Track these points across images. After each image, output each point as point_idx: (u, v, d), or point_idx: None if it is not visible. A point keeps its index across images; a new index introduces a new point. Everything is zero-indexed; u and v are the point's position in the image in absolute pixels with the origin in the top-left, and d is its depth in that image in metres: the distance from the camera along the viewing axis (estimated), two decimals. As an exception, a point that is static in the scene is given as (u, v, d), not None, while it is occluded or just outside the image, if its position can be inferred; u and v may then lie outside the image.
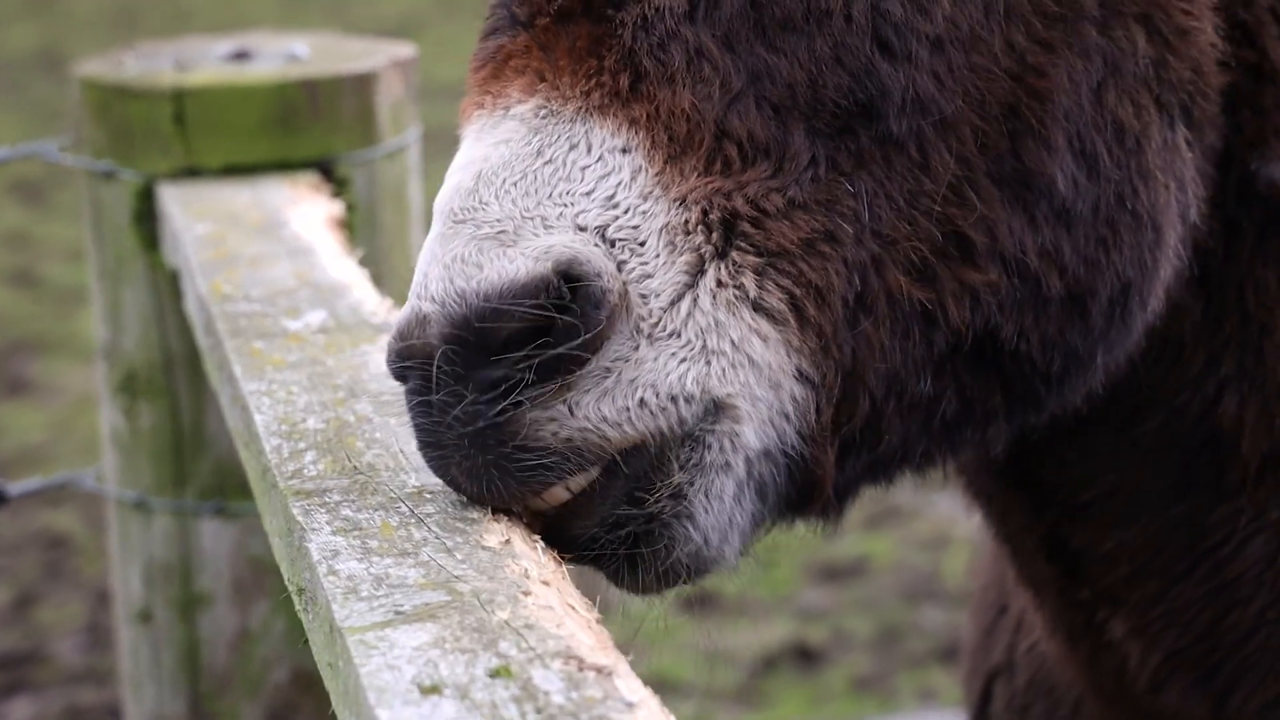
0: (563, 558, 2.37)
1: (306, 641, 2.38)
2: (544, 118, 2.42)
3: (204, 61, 4.23)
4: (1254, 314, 2.85)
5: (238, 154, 4.06)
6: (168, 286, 4.06)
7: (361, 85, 4.11)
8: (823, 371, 2.42)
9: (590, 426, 2.35)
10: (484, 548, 2.30)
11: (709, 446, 2.40)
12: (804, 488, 2.49)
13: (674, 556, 2.45)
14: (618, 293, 2.34)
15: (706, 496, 2.42)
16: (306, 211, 3.82)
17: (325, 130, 4.08)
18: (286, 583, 2.44)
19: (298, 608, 2.37)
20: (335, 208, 3.93)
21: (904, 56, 2.46)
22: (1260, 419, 2.86)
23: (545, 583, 2.23)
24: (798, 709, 7.51)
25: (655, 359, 2.36)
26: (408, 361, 2.37)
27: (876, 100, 2.45)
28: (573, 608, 2.19)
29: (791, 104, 2.43)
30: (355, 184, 4.09)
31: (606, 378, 2.35)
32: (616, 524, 2.42)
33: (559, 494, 2.39)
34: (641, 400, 2.36)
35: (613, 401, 2.35)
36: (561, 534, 2.42)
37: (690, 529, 2.43)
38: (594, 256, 2.33)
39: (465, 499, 2.41)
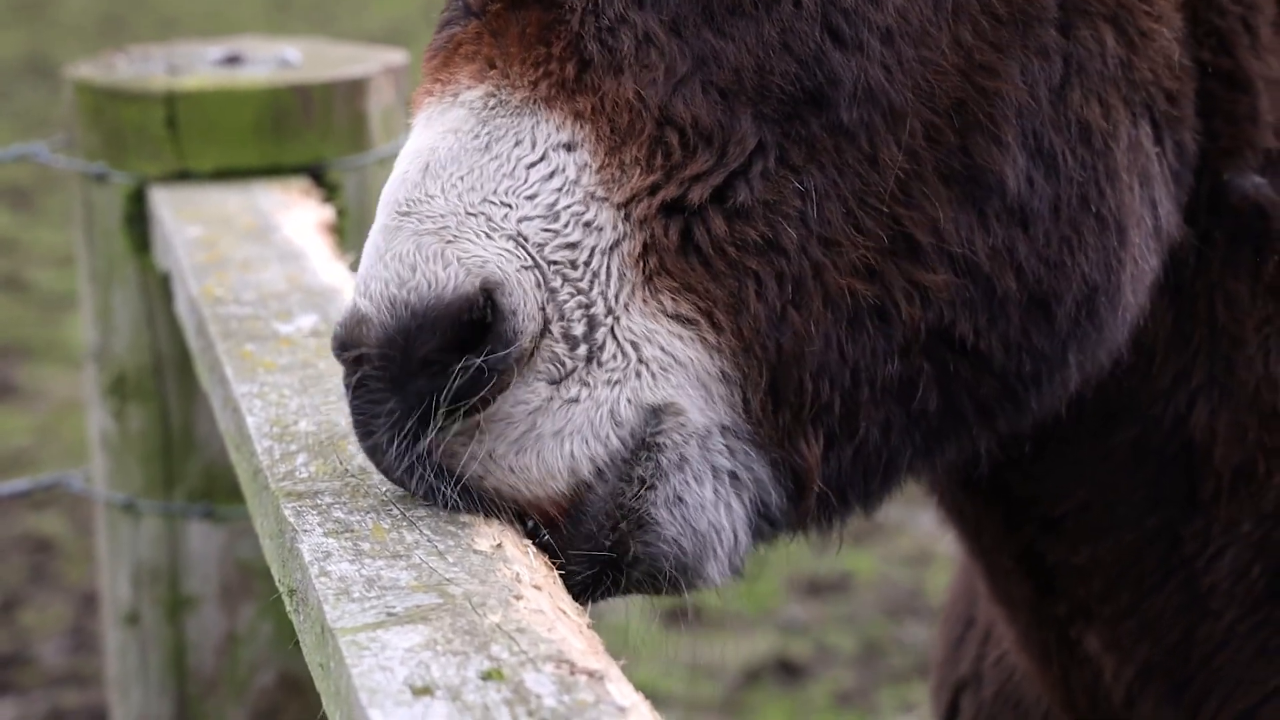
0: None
1: (295, 644, 2.37)
2: (492, 108, 2.44)
3: (196, 66, 4.23)
4: (1224, 325, 2.84)
5: (229, 158, 4.06)
6: (158, 289, 4.06)
7: (353, 91, 4.11)
8: (744, 370, 2.44)
9: (510, 481, 2.39)
10: (476, 551, 2.30)
11: (662, 448, 2.42)
12: (785, 478, 2.50)
13: (659, 564, 2.46)
14: (531, 335, 2.36)
15: (668, 504, 2.43)
16: (298, 216, 3.82)
17: (317, 135, 4.09)
18: (277, 583, 2.44)
19: (289, 609, 2.37)
20: (326, 213, 3.93)
21: (854, 45, 2.46)
22: (1232, 431, 2.86)
23: (537, 587, 2.23)
24: (780, 722, 7.51)
25: (587, 398, 2.39)
26: (347, 353, 2.41)
27: (826, 88, 2.45)
28: (564, 612, 2.19)
29: (738, 89, 2.43)
30: (346, 189, 4.09)
31: (525, 426, 2.38)
32: (594, 555, 2.44)
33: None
34: (572, 453, 2.39)
35: (537, 458, 2.39)
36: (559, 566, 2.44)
37: (661, 547, 2.44)
38: (519, 287, 2.36)
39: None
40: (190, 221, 3.79)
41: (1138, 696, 2.99)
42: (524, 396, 2.39)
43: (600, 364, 2.40)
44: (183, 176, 4.04)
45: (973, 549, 3.11)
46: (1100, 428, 2.87)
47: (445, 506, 2.40)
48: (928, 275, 2.49)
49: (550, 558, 2.40)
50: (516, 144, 2.42)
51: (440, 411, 2.35)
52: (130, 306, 4.13)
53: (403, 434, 2.37)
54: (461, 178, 2.40)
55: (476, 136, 2.42)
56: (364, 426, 2.42)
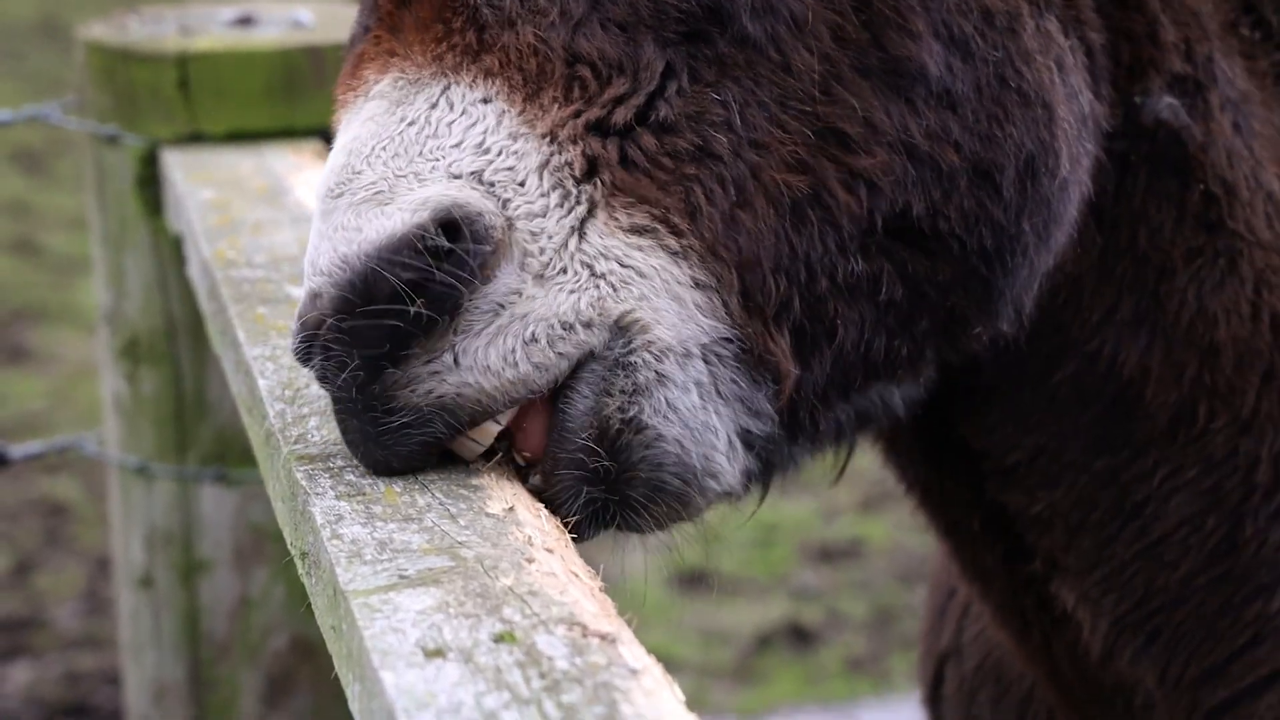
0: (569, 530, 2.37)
1: (308, 607, 2.37)
2: (401, 88, 2.49)
3: (209, 27, 4.22)
4: (1148, 256, 2.85)
5: (242, 120, 4.05)
6: (170, 252, 4.05)
7: (367, 54, 4.09)
8: (716, 273, 2.47)
9: (470, 380, 2.38)
10: (488, 514, 2.30)
11: (635, 367, 2.43)
12: (765, 381, 2.51)
13: (661, 479, 2.46)
14: (500, 228, 2.39)
15: (660, 412, 2.44)
16: (310, 179, 3.81)
17: (329, 98, 4.05)
18: (290, 547, 2.43)
19: (301, 572, 2.37)
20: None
21: None
22: (1165, 369, 2.86)
23: (549, 550, 2.23)
24: (792, 688, 7.51)
25: (545, 295, 2.41)
26: (306, 342, 2.41)
27: (724, 3, 2.50)
28: (576, 575, 2.19)
29: (635, 19, 2.49)
30: (359, 152, 4.07)
31: (498, 316, 2.39)
32: (592, 475, 2.44)
33: (489, 429, 2.41)
34: (533, 335, 2.39)
35: (503, 343, 2.39)
36: (554, 508, 2.43)
37: (662, 446, 2.45)
38: (472, 198, 2.39)
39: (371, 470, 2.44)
40: (202, 184, 3.78)
41: (1114, 650, 3.00)
42: (488, 303, 2.39)
43: (561, 272, 2.41)
44: (195, 139, 4.04)
45: (942, 524, 3.13)
46: (1042, 367, 2.88)
47: (403, 450, 2.39)
48: (865, 160, 2.54)
49: (546, 485, 2.40)
50: (432, 108, 2.46)
51: (412, 331, 2.34)
52: (142, 270, 4.12)
53: (366, 374, 2.35)
54: (384, 148, 2.44)
55: (392, 114, 2.47)
56: (335, 400, 2.41)
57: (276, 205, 3.64)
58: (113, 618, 7.49)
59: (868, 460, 3.18)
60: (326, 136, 4.06)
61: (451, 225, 2.37)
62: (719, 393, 2.49)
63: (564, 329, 2.41)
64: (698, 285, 2.47)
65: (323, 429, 2.56)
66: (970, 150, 2.60)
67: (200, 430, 4.14)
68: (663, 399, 2.44)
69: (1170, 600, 2.94)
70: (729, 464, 2.51)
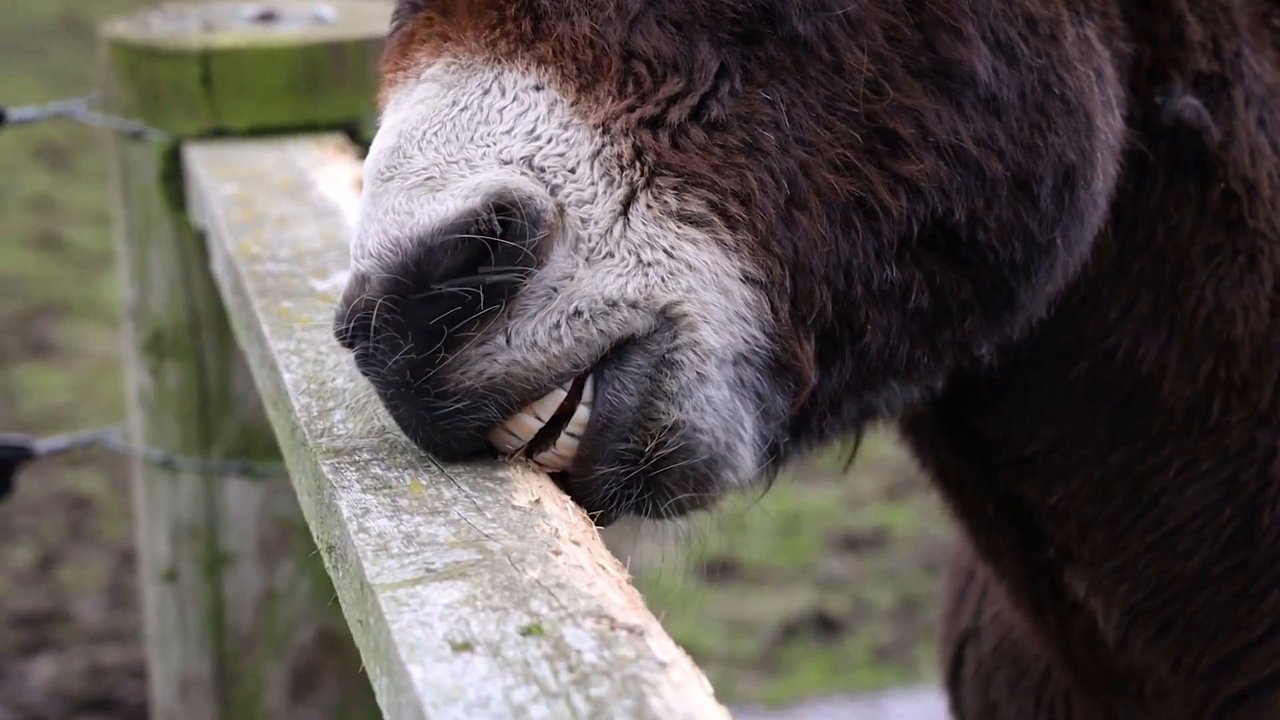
0: (592, 516, 2.38)
1: (334, 601, 2.37)
2: (454, 72, 2.48)
3: (231, 23, 4.23)
4: (1167, 253, 2.86)
5: (264, 115, 4.06)
6: (194, 247, 4.06)
7: (389, 47, 4.10)
8: (767, 268, 2.46)
9: (518, 358, 2.37)
10: (514, 507, 2.30)
11: (680, 366, 2.43)
12: (787, 385, 2.51)
13: (693, 467, 2.47)
14: (552, 211, 2.38)
15: (699, 408, 2.45)
16: (333, 173, 3.82)
17: (351, 92, 4.08)
18: (316, 540, 2.44)
19: (327, 565, 2.37)
20: (361, 169, 3.92)
21: None
22: (1182, 364, 2.87)
23: (575, 542, 2.23)
24: (818, 678, 7.51)
25: (593, 275, 2.40)
26: (351, 323, 2.39)
27: (776, 3, 2.50)
28: (603, 567, 2.19)
29: (691, 18, 2.49)
30: (382, 146, 4.08)
31: (552, 299, 2.39)
32: (630, 464, 2.44)
33: (529, 423, 2.41)
34: (576, 310, 2.39)
35: (549, 319, 2.38)
36: (581, 492, 2.44)
37: (698, 438, 2.45)
38: (523, 183, 2.38)
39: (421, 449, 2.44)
40: (226, 179, 3.79)
41: (1126, 639, 3.01)
42: (541, 287, 2.39)
43: (605, 257, 2.41)
44: (218, 134, 4.04)
45: (957, 508, 3.14)
46: (1058, 363, 2.89)
47: (455, 433, 2.39)
48: (913, 166, 2.54)
49: (582, 472, 2.41)
50: (484, 94, 2.46)
51: (466, 317, 2.34)
52: (167, 264, 4.13)
53: (419, 358, 2.35)
54: (436, 133, 2.43)
55: (443, 97, 2.46)
56: (383, 379, 2.39)
57: (300, 200, 3.64)
58: (137, 611, 7.51)
59: (891, 448, 3.18)
60: (350, 131, 4.07)
61: (504, 210, 2.35)
62: (747, 390, 2.49)
63: (608, 305, 2.40)
64: (747, 279, 2.46)
65: (348, 422, 2.56)
66: (1013, 159, 2.60)
67: (225, 424, 4.15)
68: (702, 396, 2.44)
69: (1185, 590, 2.96)
70: (748, 457, 2.51)
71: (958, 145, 2.56)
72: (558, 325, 2.39)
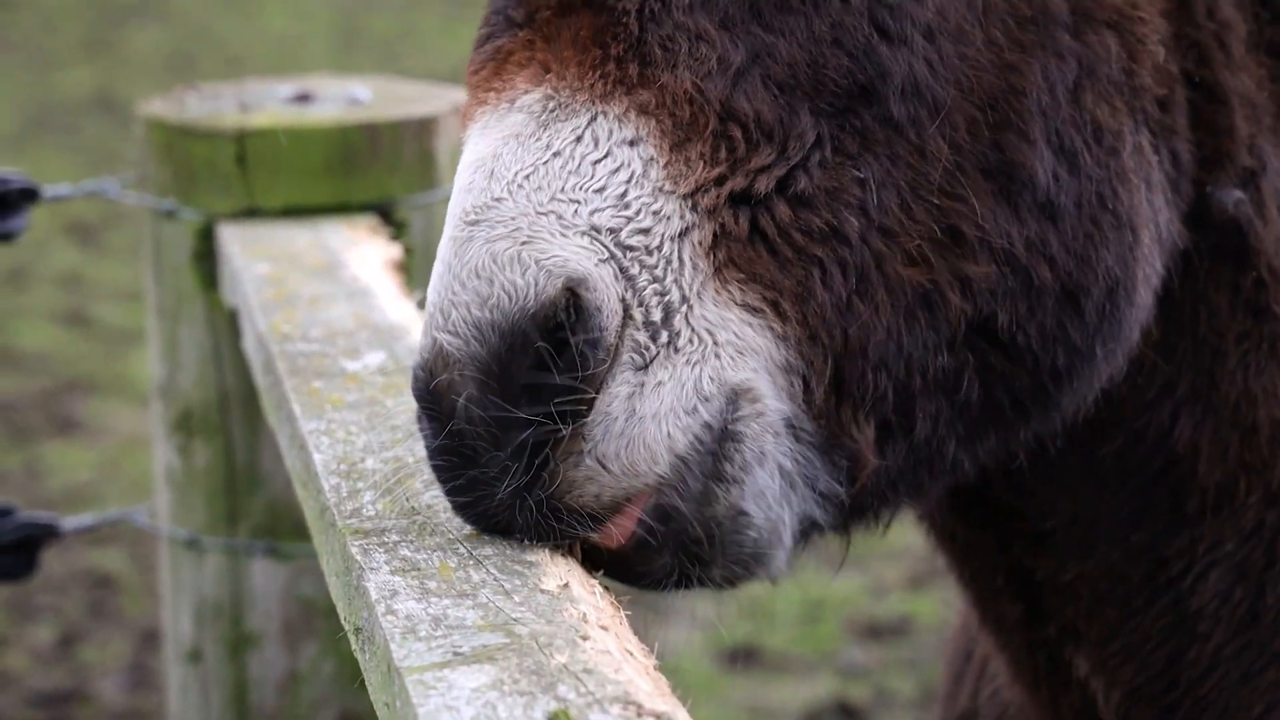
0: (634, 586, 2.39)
1: (359, 683, 2.37)
2: (551, 110, 2.45)
3: (266, 103, 4.25)
4: (1206, 338, 2.88)
5: (298, 195, 4.07)
6: (225, 326, 4.07)
7: (422, 129, 4.12)
8: (809, 360, 2.47)
9: (622, 483, 2.38)
10: (542, 591, 2.30)
11: (744, 439, 2.43)
12: (841, 466, 2.52)
13: (740, 556, 2.47)
14: (615, 330, 2.37)
15: (753, 497, 2.45)
16: (365, 254, 3.83)
17: (385, 173, 4.10)
18: (343, 621, 2.43)
19: (354, 647, 2.36)
20: (394, 250, 3.94)
21: (900, 40, 2.52)
22: (1215, 446, 2.89)
23: (604, 627, 2.22)
24: (839, 767, 7.47)
25: (670, 379, 2.40)
26: (433, 399, 2.40)
27: (876, 82, 2.50)
28: (631, 653, 2.18)
29: (794, 84, 2.48)
30: (413, 227, 4.10)
31: (624, 419, 2.39)
32: (688, 554, 2.45)
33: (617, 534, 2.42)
34: (669, 433, 2.39)
35: (640, 443, 2.38)
36: (630, 570, 2.44)
37: (748, 532, 2.46)
38: (602, 283, 2.37)
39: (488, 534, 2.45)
40: (258, 258, 3.80)
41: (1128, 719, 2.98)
42: (617, 390, 2.39)
43: (678, 349, 2.41)
44: (251, 213, 4.06)
45: (963, 574, 3.14)
46: (1088, 440, 2.89)
47: (563, 538, 2.40)
48: (971, 266, 2.55)
49: (640, 563, 2.41)
50: (578, 141, 2.43)
51: (551, 440, 2.35)
52: (197, 342, 4.14)
53: (519, 475, 2.36)
54: (527, 177, 2.41)
55: (538, 138, 2.43)
56: (466, 478, 2.40)
57: (332, 280, 3.65)
58: (158, 691, 7.48)
59: (915, 537, 3.17)
60: (382, 212, 4.08)
61: (580, 304, 2.35)
62: (795, 477, 2.49)
63: (689, 412, 2.40)
64: (789, 368, 2.46)
65: (378, 503, 2.56)
66: (1064, 268, 2.61)
67: (252, 503, 4.15)
68: (757, 482, 2.45)
69: (1200, 673, 2.95)
70: (785, 549, 2.51)
71: (1009, 249, 2.57)
72: (652, 446, 2.39)
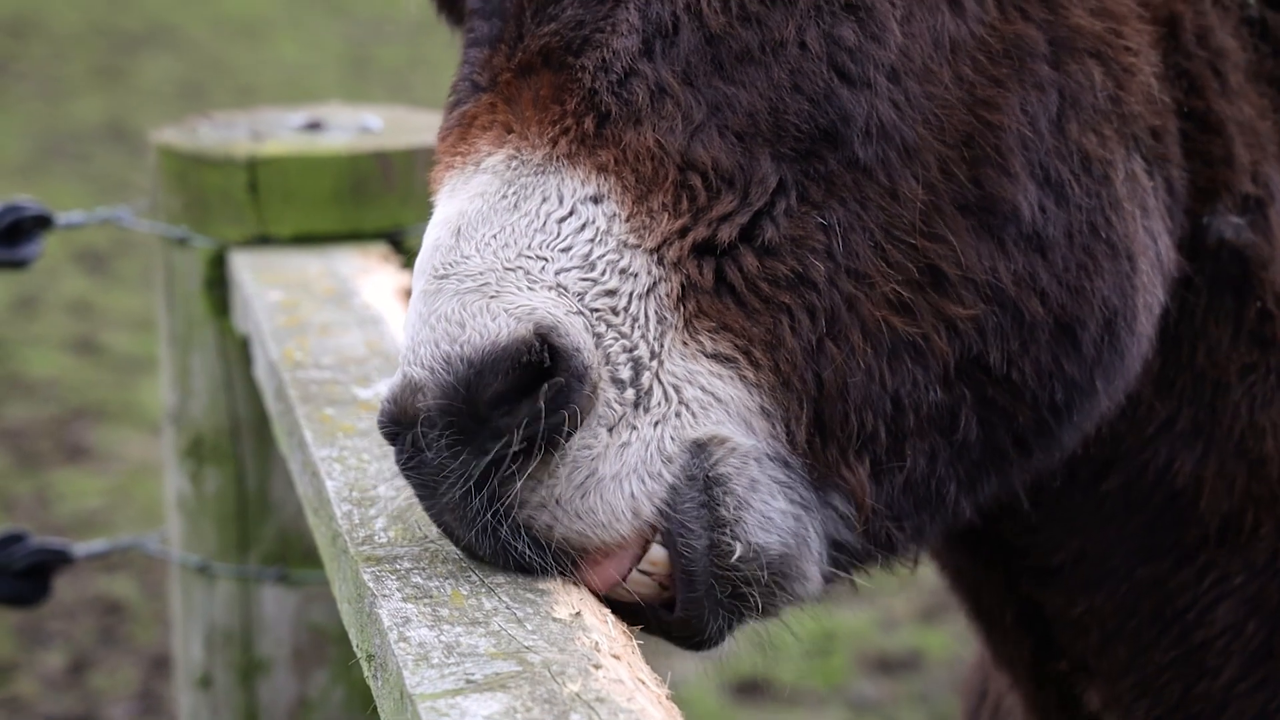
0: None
1: (370, 710, 2.37)
2: (515, 169, 2.48)
3: (278, 131, 4.26)
4: (1206, 371, 2.87)
5: (309, 223, 4.08)
6: (237, 353, 4.07)
7: (433, 158, 4.12)
8: (784, 405, 2.48)
9: (575, 526, 2.40)
10: (555, 619, 2.30)
11: (727, 478, 2.45)
12: (846, 509, 2.53)
13: (769, 581, 2.49)
14: (596, 369, 2.39)
15: (761, 525, 2.47)
16: (377, 281, 3.84)
17: (397, 201, 4.11)
18: (356, 649, 2.43)
19: (366, 674, 2.36)
20: (405, 278, 3.94)
21: (862, 83, 2.52)
22: (1218, 479, 2.88)
23: (616, 656, 2.22)
24: (848, 799, 7.44)
25: (636, 440, 2.42)
26: (400, 426, 2.41)
27: (839, 125, 2.50)
28: (643, 682, 2.18)
29: (754, 131, 2.49)
30: (425, 256, 4.10)
31: (588, 470, 2.40)
32: (723, 600, 2.48)
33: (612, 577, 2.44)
34: (631, 494, 2.41)
35: (599, 499, 2.40)
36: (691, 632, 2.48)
37: (767, 556, 2.47)
38: (574, 329, 2.39)
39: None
40: (270, 285, 3.81)
41: None
42: (586, 441, 2.41)
43: (647, 409, 2.43)
44: (263, 241, 4.06)
45: (973, 611, 3.14)
46: (1092, 475, 2.89)
47: (518, 563, 2.40)
48: (955, 306, 2.55)
49: (687, 624, 2.44)
50: (544, 200, 2.45)
51: (513, 454, 2.36)
52: (209, 370, 4.14)
53: (474, 486, 2.37)
54: (494, 236, 2.44)
55: (504, 197, 2.46)
56: (429, 489, 2.42)
57: (344, 307, 3.66)
58: (168, 717, 7.48)
59: (927, 570, 3.17)
60: (394, 240, 4.09)
61: (553, 349, 2.37)
62: (801, 499, 2.49)
63: (652, 476, 2.42)
64: (764, 413, 2.47)
65: (390, 530, 2.56)
66: (1057, 300, 2.60)
67: (262, 530, 4.15)
68: (759, 510, 2.46)
69: (1210, 708, 2.94)
70: (816, 569, 2.51)
71: (996, 285, 2.56)
72: (613, 505, 2.41)
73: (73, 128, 17.39)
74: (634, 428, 2.42)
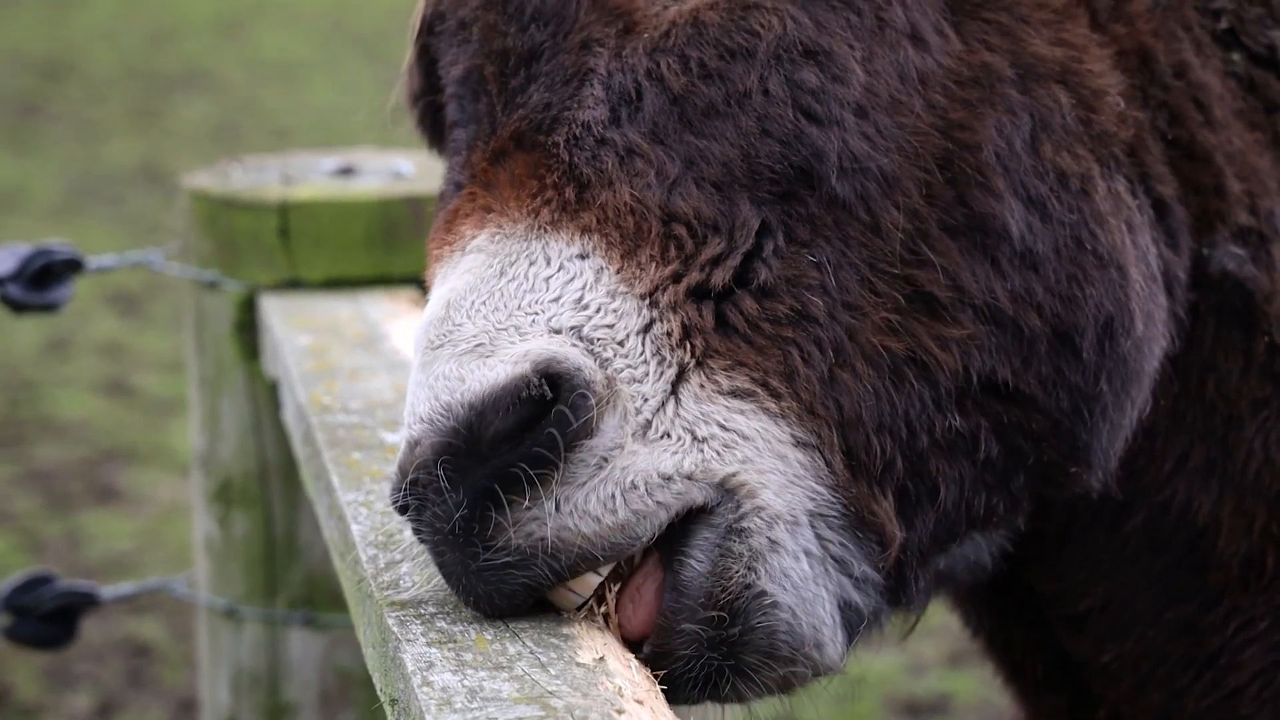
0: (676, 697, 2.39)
1: (395, 754, 2.37)
2: (499, 242, 2.54)
3: (310, 176, 4.29)
4: (1217, 405, 2.87)
5: (340, 267, 4.10)
6: (266, 396, 4.09)
7: (464, 204, 4.14)
8: (815, 431, 2.50)
9: (569, 525, 2.40)
10: (578, 664, 2.30)
11: (749, 533, 2.45)
12: (871, 545, 2.53)
13: (774, 645, 2.48)
14: (602, 383, 2.42)
15: (775, 579, 2.47)
16: (406, 326, 3.85)
17: (426, 246, 4.12)
18: (379, 693, 2.44)
19: (390, 718, 2.37)
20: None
21: (830, 121, 2.57)
22: (1236, 518, 2.87)
23: (639, 701, 2.22)
24: (876, 847, 7.41)
25: (649, 452, 2.44)
26: (404, 489, 2.44)
27: (813, 162, 2.55)
28: (666, 728, 2.18)
29: (730, 178, 2.54)
30: (454, 301, 4.11)
31: (601, 469, 2.42)
32: (709, 640, 2.44)
33: (590, 580, 2.43)
34: (632, 484, 2.42)
35: (603, 490, 2.42)
36: (660, 664, 2.44)
37: (777, 614, 2.47)
38: (572, 354, 2.43)
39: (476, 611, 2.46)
40: (300, 330, 3.82)
41: None
42: (592, 456, 2.43)
43: (661, 436, 2.45)
44: (293, 285, 4.08)
45: (1007, 671, 3.14)
46: (1114, 516, 2.89)
47: (530, 586, 2.41)
48: (950, 328, 2.58)
49: (661, 646, 2.42)
50: (530, 263, 2.51)
51: (517, 482, 2.37)
52: (238, 413, 4.16)
53: (478, 522, 2.38)
54: (484, 301, 2.49)
55: (489, 266, 2.52)
56: (440, 544, 2.43)
57: (373, 352, 3.67)
58: (195, 760, 7.47)
59: (955, 615, 3.17)
60: (423, 285, 4.10)
61: (554, 379, 2.39)
62: (827, 561, 2.50)
63: (663, 480, 2.44)
64: (799, 444, 2.49)
65: (415, 575, 2.57)
66: (1052, 312, 2.63)
67: (290, 573, 4.15)
68: (777, 565, 2.47)
69: None
70: (833, 635, 2.51)
71: (993, 304, 2.60)
72: (612, 497, 2.42)
73: (107, 170, 17.48)
74: (650, 449, 2.44)
